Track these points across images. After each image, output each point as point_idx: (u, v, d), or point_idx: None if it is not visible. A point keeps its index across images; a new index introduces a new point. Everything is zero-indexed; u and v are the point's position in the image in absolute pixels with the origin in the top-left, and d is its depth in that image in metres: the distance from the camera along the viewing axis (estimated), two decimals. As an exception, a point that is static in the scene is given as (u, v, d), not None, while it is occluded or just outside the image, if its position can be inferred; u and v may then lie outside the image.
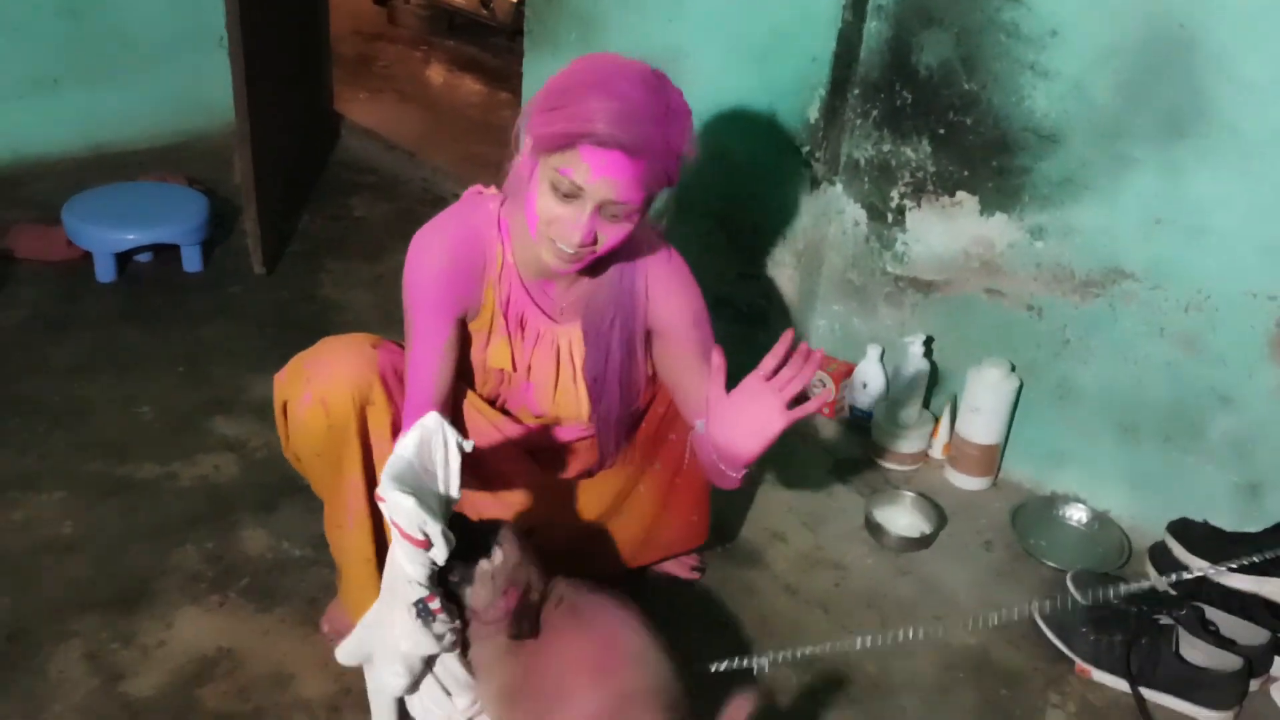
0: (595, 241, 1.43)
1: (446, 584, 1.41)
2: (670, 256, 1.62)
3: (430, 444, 1.35)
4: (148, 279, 2.90)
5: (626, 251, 1.53)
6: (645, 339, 1.66)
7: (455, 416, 1.68)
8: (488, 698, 1.50)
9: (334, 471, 1.64)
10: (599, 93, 1.34)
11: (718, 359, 1.45)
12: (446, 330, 1.57)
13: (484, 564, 1.43)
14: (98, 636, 1.79)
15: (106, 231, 2.82)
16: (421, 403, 1.55)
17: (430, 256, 1.54)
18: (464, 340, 1.62)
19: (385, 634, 1.43)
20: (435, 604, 1.36)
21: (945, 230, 2.27)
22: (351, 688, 1.74)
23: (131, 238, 2.83)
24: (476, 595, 1.43)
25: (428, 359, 1.56)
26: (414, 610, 1.36)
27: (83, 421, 2.32)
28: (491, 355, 1.63)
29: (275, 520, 2.08)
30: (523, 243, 1.55)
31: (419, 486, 1.31)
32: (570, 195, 1.38)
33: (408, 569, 1.34)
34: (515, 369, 1.65)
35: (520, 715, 1.46)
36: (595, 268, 1.55)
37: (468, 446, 1.37)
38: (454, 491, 1.38)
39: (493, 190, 1.60)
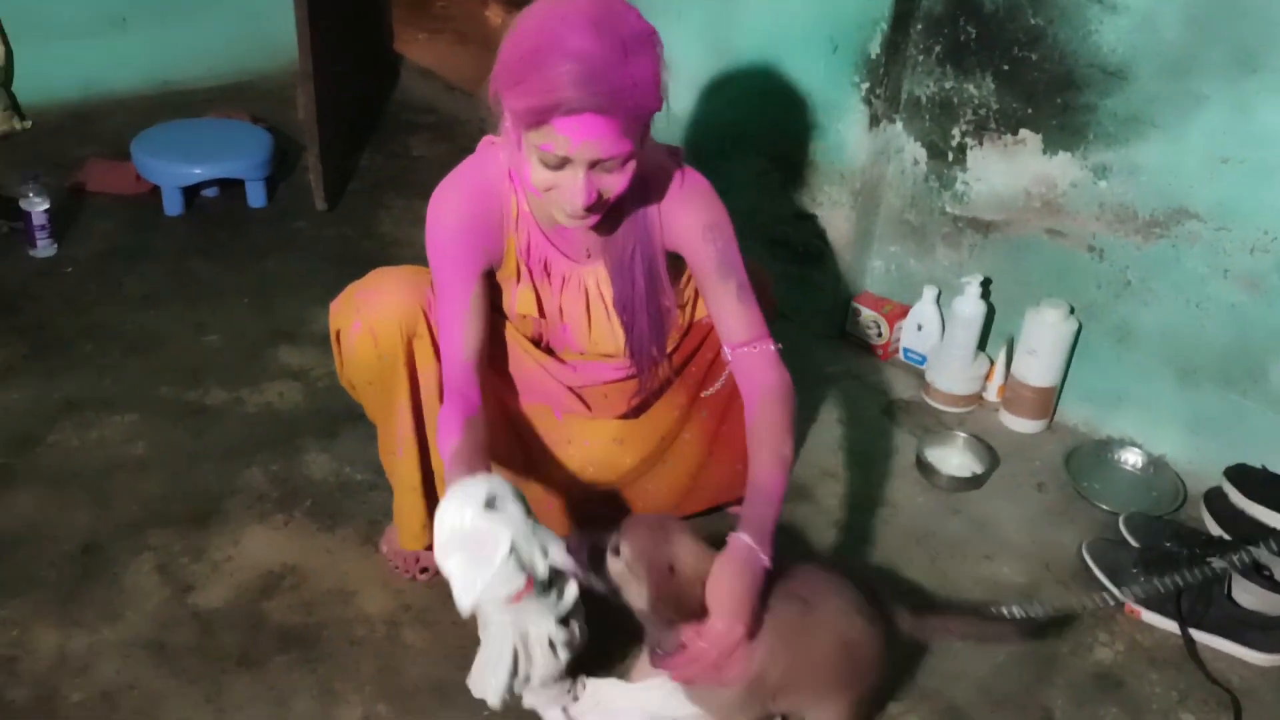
0: (600, 197, 1.41)
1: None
2: (684, 177, 1.57)
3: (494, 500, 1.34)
4: (214, 213, 2.97)
5: (638, 182, 1.48)
6: (674, 269, 1.64)
7: (488, 369, 1.67)
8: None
9: (386, 399, 1.69)
10: (553, 57, 1.28)
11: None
12: (471, 285, 1.57)
13: (612, 563, 1.41)
14: (169, 550, 1.87)
15: (174, 166, 2.89)
16: (457, 355, 1.57)
17: (447, 213, 1.55)
18: (493, 293, 1.63)
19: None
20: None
21: (1007, 169, 2.24)
22: (411, 604, 1.80)
23: (198, 172, 2.90)
24: (633, 596, 1.41)
25: (457, 315, 1.57)
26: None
27: (154, 348, 2.40)
28: (519, 302, 1.64)
29: (337, 446, 2.14)
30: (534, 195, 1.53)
31: (485, 543, 1.30)
32: (559, 165, 1.37)
33: (538, 624, 1.38)
34: (544, 314, 1.66)
35: None
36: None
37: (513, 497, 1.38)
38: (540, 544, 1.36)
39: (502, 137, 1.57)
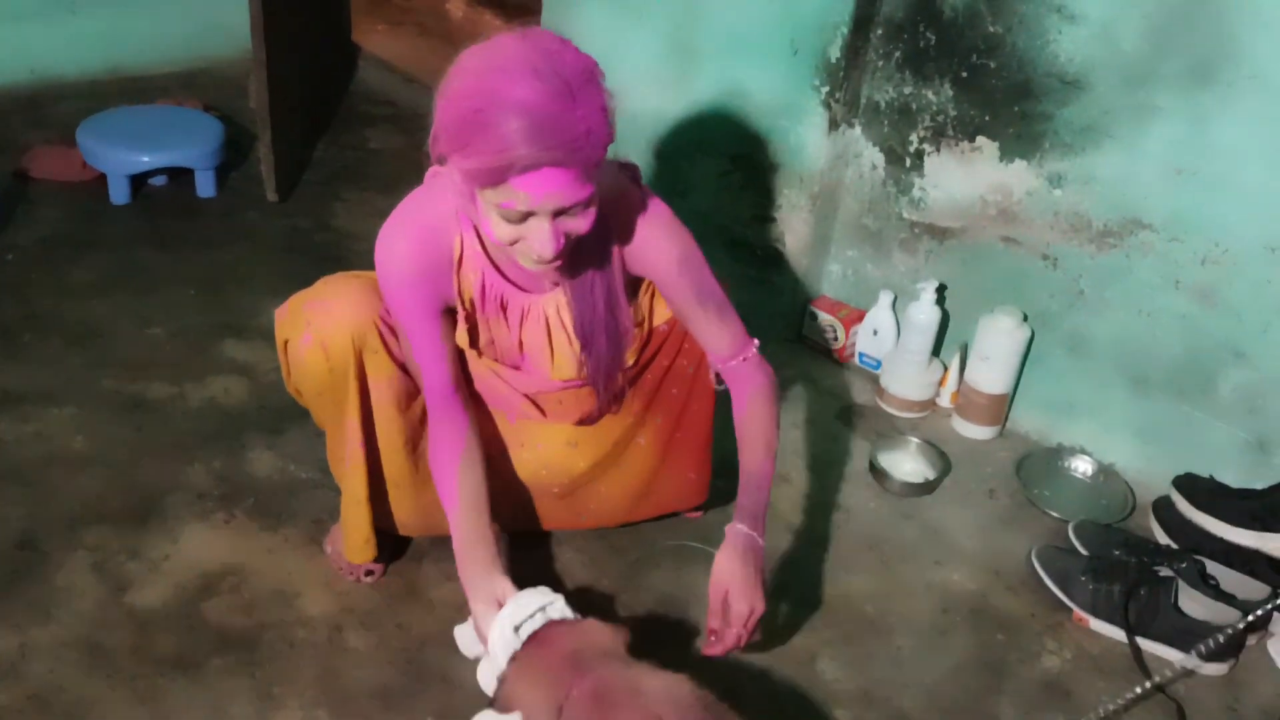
0: (567, 240, 1.38)
1: None
2: (645, 205, 1.55)
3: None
4: (162, 203, 2.90)
5: (599, 205, 1.44)
6: (632, 286, 1.64)
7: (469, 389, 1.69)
8: None
9: (335, 411, 1.66)
10: (498, 114, 1.24)
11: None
12: (435, 323, 1.57)
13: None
14: (106, 548, 1.82)
15: (121, 153, 2.82)
16: (439, 387, 1.60)
17: (396, 263, 1.51)
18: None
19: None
20: None
21: (963, 176, 2.24)
22: (354, 607, 1.77)
23: (146, 160, 2.83)
24: None
25: (429, 351, 1.58)
26: None
27: (97, 340, 2.34)
28: (457, 336, 1.61)
29: (282, 443, 2.10)
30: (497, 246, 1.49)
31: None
32: (522, 219, 1.33)
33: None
34: (479, 349, 1.63)
35: None
36: None
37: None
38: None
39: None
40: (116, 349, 2.32)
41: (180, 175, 2.94)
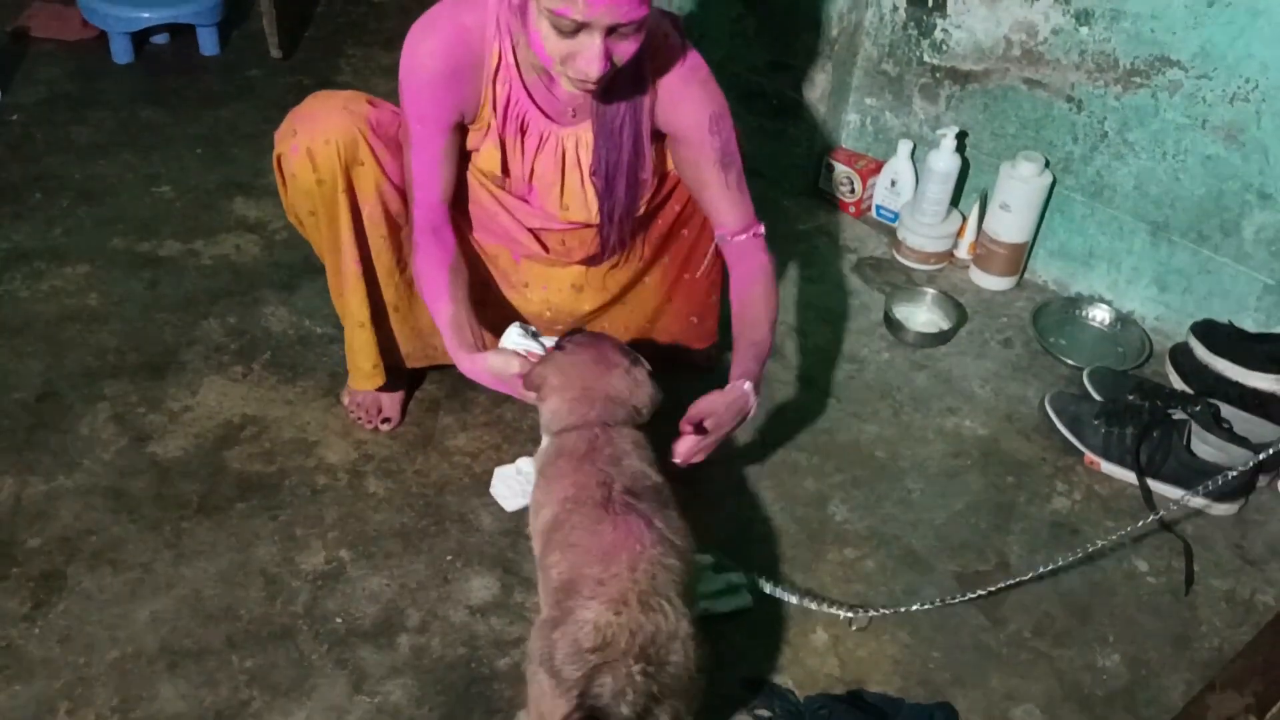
0: (611, 65, 1.36)
1: None
2: (685, 57, 1.52)
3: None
4: (164, 61, 2.85)
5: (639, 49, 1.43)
6: (656, 138, 1.61)
7: (460, 211, 1.68)
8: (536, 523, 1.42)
9: (329, 231, 1.65)
10: None
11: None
12: (444, 135, 1.53)
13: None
14: (125, 400, 1.85)
15: (121, 10, 2.75)
16: (430, 204, 1.57)
17: (421, 62, 1.47)
18: (463, 142, 1.58)
19: None
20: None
21: (988, 15, 2.16)
22: (373, 455, 1.80)
23: (146, 16, 2.76)
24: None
25: (430, 162, 1.55)
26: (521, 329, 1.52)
27: (105, 199, 2.33)
28: (483, 158, 1.58)
29: (296, 299, 2.10)
30: (526, 44, 1.46)
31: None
32: (574, 31, 1.31)
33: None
34: (508, 174, 1.60)
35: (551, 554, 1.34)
36: None
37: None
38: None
39: None
40: (125, 208, 2.31)
41: (182, 33, 2.88)
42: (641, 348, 1.62)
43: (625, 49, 1.35)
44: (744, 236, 1.64)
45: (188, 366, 1.93)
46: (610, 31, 1.31)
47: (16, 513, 1.64)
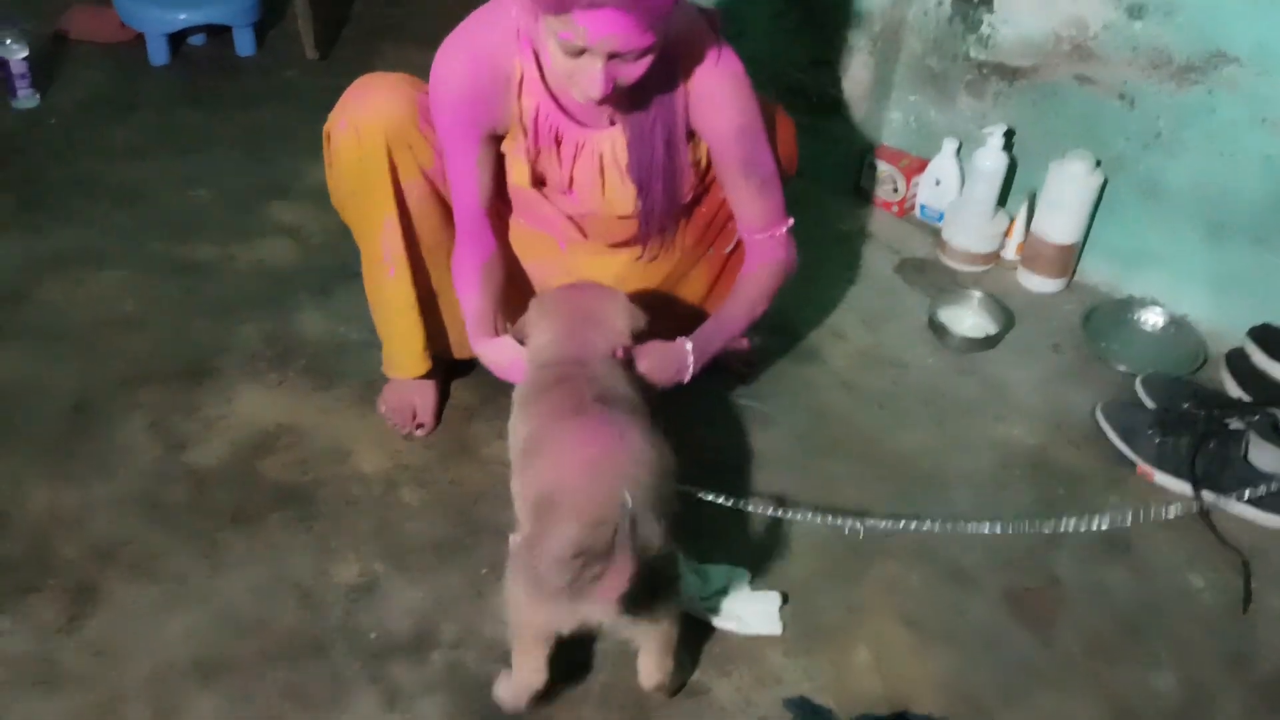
0: (616, 86, 1.37)
1: None
2: (719, 58, 1.51)
3: None
4: (201, 62, 2.85)
5: (670, 48, 1.44)
6: (691, 134, 1.59)
7: (504, 198, 1.68)
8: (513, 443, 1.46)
9: (370, 211, 1.65)
10: None
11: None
12: (476, 150, 1.56)
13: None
14: (161, 408, 1.84)
15: (158, 11, 2.76)
16: (470, 208, 1.61)
17: (449, 80, 1.50)
18: (499, 153, 1.60)
19: None
20: None
21: (1036, 10, 2.10)
22: (409, 464, 1.78)
23: (183, 18, 2.77)
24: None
25: (466, 174, 1.58)
26: None
27: (143, 202, 2.33)
28: (511, 172, 1.60)
29: (332, 304, 2.09)
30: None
31: None
32: (578, 54, 1.33)
33: None
34: (540, 185, 1.62)
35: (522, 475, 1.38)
36: None
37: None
38: None
39: None
40: (162, 211, 2.31)
41: (219, 33, 2.88)
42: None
43: (631, 71, 1.36)
44: (762, 235, 1.67)
45: (223, 373, 1.92)
46: (613, 56, 1.32)
47: (52, 522, 1.63)
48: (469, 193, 1.60)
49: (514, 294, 1.73)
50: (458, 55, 1.50)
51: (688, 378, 1.58)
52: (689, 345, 1.58)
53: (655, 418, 1.40)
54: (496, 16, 1.49)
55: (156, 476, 1.72)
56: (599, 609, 1.19)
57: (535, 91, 1.51)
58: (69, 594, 1.54)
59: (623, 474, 1.25)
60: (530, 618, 1.26)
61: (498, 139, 1.57)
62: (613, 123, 1.54)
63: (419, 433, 1.83)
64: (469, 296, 1.66)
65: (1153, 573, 1.68)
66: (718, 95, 1.53)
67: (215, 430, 1.81)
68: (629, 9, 1.26)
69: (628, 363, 1.50)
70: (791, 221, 1.67)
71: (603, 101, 1.39)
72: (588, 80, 1.35)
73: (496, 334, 1.67)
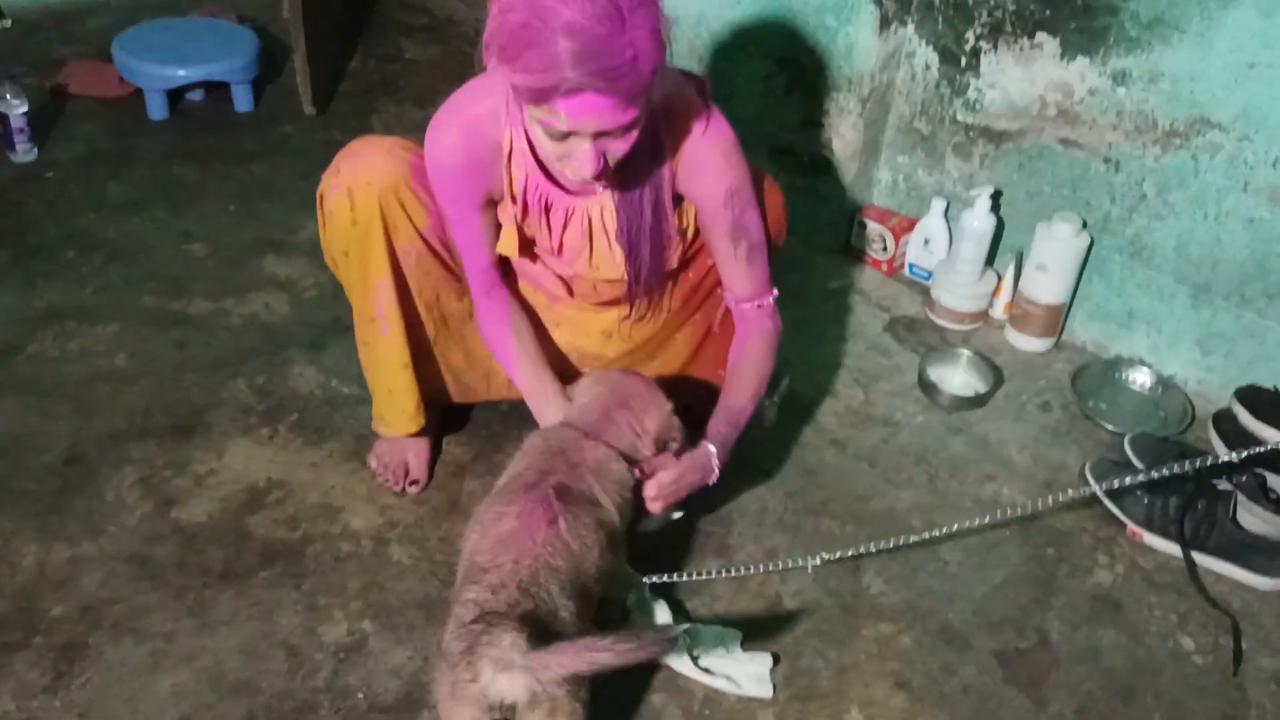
0: (607, 161, 1.39)
1: None
2: (706, 125, 1.52)
3: None
4: (199, 117, 2.88)
5: (656, 116, 1.46)
6: (679, 199, 1.61)
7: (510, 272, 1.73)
8: None
9: (362, 271, 1.66)
10: (547, 33, 1.23)
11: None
12: (478, 215, 1.59)
13: None
14: (152, 463, 1.84)
15: (157, 68, 2.78)
16: (481, 267, 1.65)
17: (444, 146, 1.53)
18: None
19: None
20: None
21: (1022, 75, 2.14)
22: (398, 521, 1.77)
23: (182, 74, 2.79)
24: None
25: (471, 238, 1.62)
26: None
27: (137, 256, 2.34)
28: (501, 242, 1.62)
29: (324, 359, 2.09)
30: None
31: None
32: (564, 137, 1.35)
33: None
34: (529, 253, 1.64)
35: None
36: None
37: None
38: None
39: None
40: (157, 265, 2.32)
41: (216, 89, 2.90)
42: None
43: (619, 146, 1.38)
44: (749, 305, 1.68)
45: (214, 428, 1.92)
46: (599, 135, 1.34)
47: (40, 579, 1.62)
48: (478, 254, 1.64)
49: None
50: (451, 126, 1.52)
51: (713, 480, 1.58)
52: (713, 448, 1.56)
53: (618, 533, 1.43)
54: (489, 86, 1.50)
55: (146, 533, 1.71)
56: (503, 683, 1.17)
57: (524, 163, 1.53)
58: (55, 652, 1.52)
59: (533, 552, 1.29)
60: (440, 685, 1.25)
61: (496, 203, 1.60)
62: (602, 188, 1.56)
63: (411, 489, 1.82)
64: (515, 370, 1.68)
65: (1143, 634, 1.68)
66: (707, 160, 1.54)
67: (205, 486, 1.81)
68: (607, 90, 1.27)
69: (635, 484, 1.49)
70: (776, 292, 1.69)
71: (595, 177, 1.40)
72: (578, 160, 1.36)
73: (556, 401, 1.66)
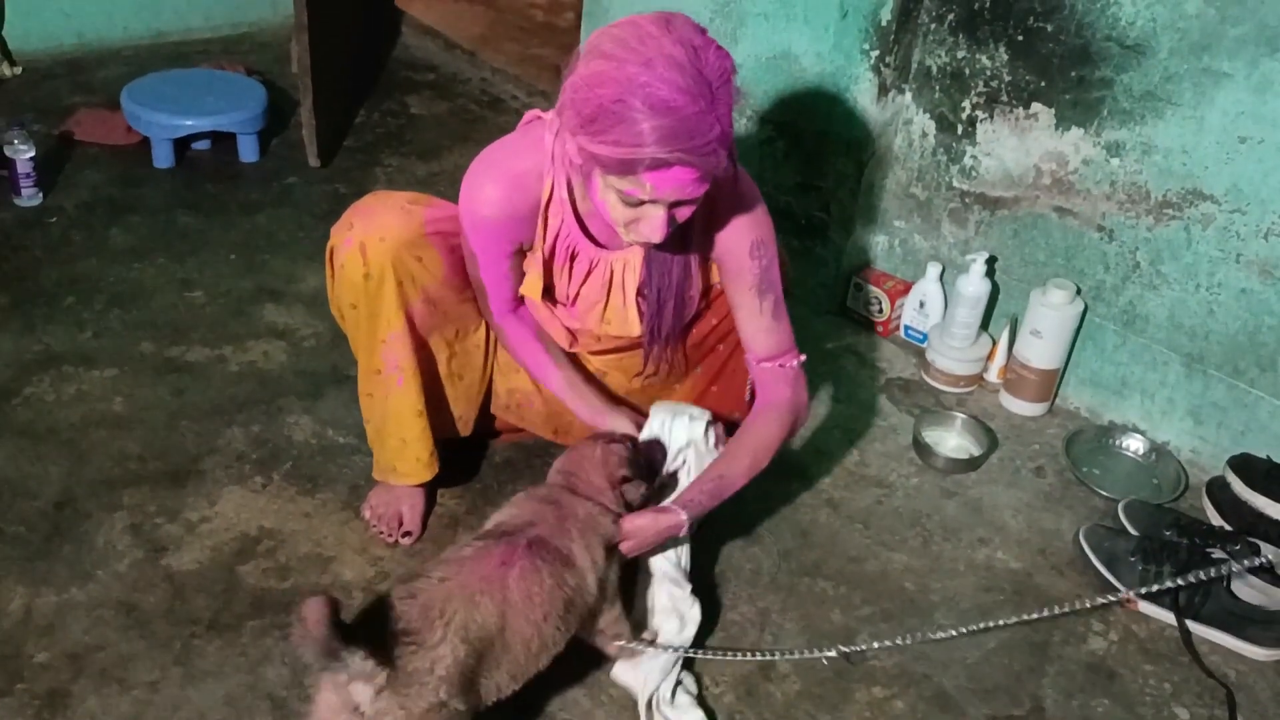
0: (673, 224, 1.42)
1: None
2: (738, 180, 1.55)
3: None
4: (205, 167, 2.91)
5: None
6: (702, 257, 1.63)
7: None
8: None
9: (369, 325, 1.68)
10: (638, 109, 1.25)
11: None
12: (507, 260, 1.62)
13: None
14: (143, 510, 1.83)
15: (165, 117, 2.82)
16: (504, 302, 1.68)
17: (480, 205, 1.55)
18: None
19: None
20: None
21: (1017, 144, 2.18)
22: (389, 572, 1.76)
23: (189, 124, 2.83)
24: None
25: (496, 280, 1.64)
26: None
27: (137, 303, 2.35)
28: (525, 284, 1.64)
29: (320, 408, 2.09)
30: (583, 188, 1.51)
31: None
32: (639, 204, 1.36)
33: None
34: (554, 300, 1.67)
35: None
36: None
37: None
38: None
39: (551, 115, 1.52)
40: (156, 312, 2.33)
41: (223, 140, 2.94)
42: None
43: (685, 212, 1.40)
44: (770, 364, 1.65)
45: (208, 476, 1.91)
46: (675, 205, 1.36)
47: (26, 625, 1.61)
48: (502, 291, 1.67)
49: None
50: (491, 182, 1.53)
51: (682, 534, 1.56)
52: (683, 516, 1.53)
53: (582, 606, 1.43)
54: (530, 143, 1.53)
55: (134, 580, 1.70)
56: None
57: (560, 211, 1.56)
58: (39, 700, 1.50)
59: (465, 582, 1.32)
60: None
61: (525, 252, 1.63)
62: (629, 244, 1.57)
63: (404, 541, 1.81)
64: (548, 375, 1.73)
65: (1138, 703, 1.67)
66: (734, 214, 1.56)
67: (197, 534, 1.80)
68: (695, 165, 1.29)
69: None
70: (804, 357, 1.66)
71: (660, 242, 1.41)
72: (649, 226, 1.37)
73: (595, 400, 1.72)
